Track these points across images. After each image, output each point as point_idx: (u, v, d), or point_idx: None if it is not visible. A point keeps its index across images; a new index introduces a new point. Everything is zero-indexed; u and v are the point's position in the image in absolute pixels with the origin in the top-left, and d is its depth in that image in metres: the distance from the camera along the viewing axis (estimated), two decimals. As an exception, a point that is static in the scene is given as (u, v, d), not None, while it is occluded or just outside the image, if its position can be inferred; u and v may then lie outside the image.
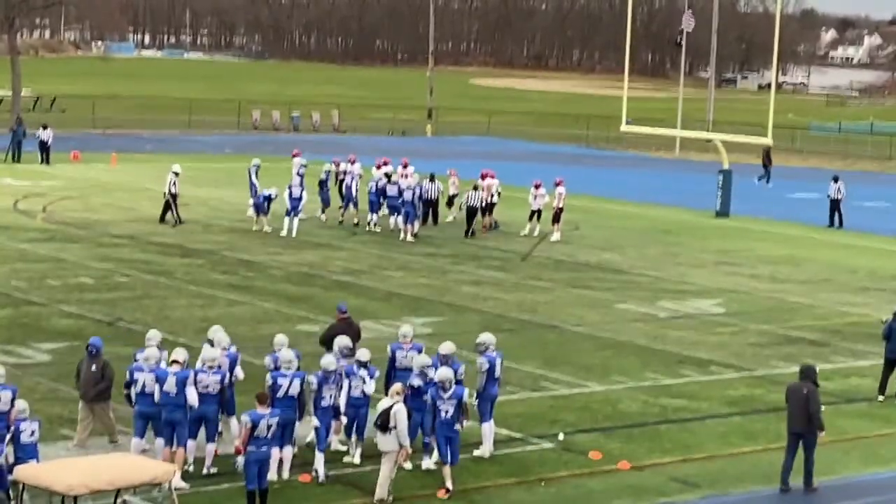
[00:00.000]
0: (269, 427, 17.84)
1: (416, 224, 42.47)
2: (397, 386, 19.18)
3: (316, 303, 31.54)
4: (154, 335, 20.47)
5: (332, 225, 44.37)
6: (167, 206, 42.87)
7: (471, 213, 43.04)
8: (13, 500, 16.44)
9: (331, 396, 19.36)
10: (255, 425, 17.72)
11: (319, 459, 19.25)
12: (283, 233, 41.42)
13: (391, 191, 43.07)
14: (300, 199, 41.88)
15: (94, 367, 20.21)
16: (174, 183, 42.75)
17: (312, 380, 19.30)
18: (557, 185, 43.76)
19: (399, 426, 18.53)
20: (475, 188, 43.42)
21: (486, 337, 20.95)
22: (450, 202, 46.39)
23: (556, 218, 43.38)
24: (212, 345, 20.22)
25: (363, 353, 20.10)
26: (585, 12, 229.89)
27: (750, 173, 65.74)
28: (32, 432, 17.37)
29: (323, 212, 45.20)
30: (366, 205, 44.10)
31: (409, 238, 41.76)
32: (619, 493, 19.53)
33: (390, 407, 18.65)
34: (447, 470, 18.90)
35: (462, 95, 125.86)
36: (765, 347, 29.47)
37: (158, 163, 61.89)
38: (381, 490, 18.50)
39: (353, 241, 41.37)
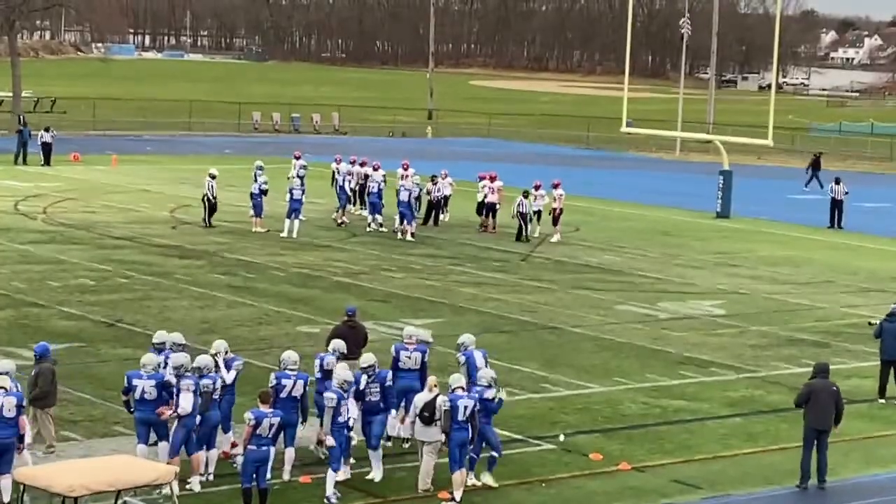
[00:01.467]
0: (270, 426, 17.82)
1: (414, 224, 42.58)
2: (433, 379, 19.56)
3: (317, 304, 31.54)
4: (161, 336, 20.30)
5: (333, 226, 44.40)
6: (211, 209, 42.92)
7: (523, 219, 42.96)
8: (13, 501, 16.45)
9: (347, 411, 18.87)
10: (258, 423, 17.70)
11: (331, 479, 18.67)
12: (284, 234, 41.47)
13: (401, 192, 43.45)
14: (301, 200, 41.99)
15: (33, 372, 19.98)
16: (212, 186, 42.75)
17: (333, 396, 18.73)
18: (555, 186, 43.78)
19: (443, 418, 18.92)
20: (525, 195, 43.16)
21: (465, 337, 21.36)
22: (445, 203, 46.33)
23: (555, 220, 43.45)
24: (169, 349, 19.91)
25: (366, 359, 19.84)
26: (585, 14, 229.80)
27: (750, 174, 65.75)
28: (10, 409, 17.55)
29: (339, 210, 45.57)
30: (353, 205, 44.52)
31: (409, 237, 41.86)
32: (620, 494, 19.52)
33: (433, 399, 18.97)
34: (459, 477, 18.83)
35: (462, 97, 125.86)
36: (765, 349, 29.46)
37: (159, 164, 62.02)
38: (425, 481, 19.00)
39: (354, 243, 41.37)
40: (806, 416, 20.25)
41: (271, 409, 17.97)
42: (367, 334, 22.81)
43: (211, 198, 42.88)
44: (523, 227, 42.96)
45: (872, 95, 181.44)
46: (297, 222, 41.79)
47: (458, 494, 18.73)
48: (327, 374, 19.74)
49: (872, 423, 23.98)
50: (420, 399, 19.23)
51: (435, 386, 19.27)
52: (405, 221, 42.33)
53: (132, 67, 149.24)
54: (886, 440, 23.03)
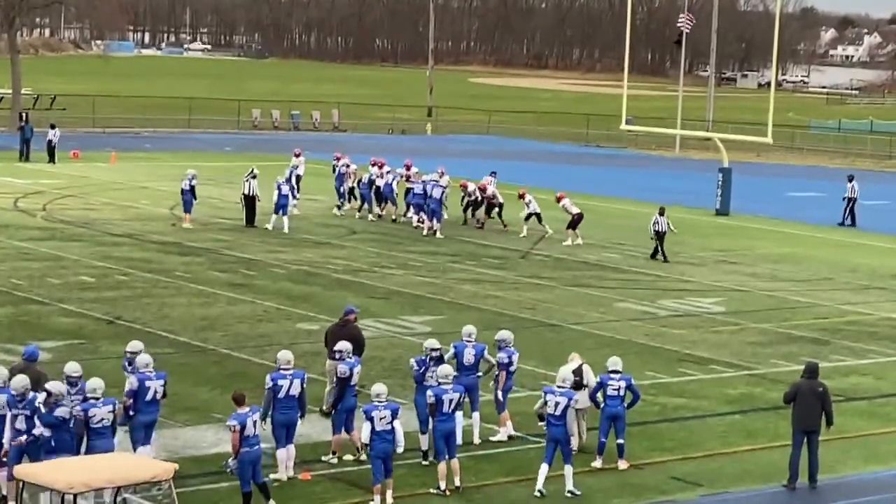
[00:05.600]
0: (254, 423, 17.80)
1: (440, 221, 43.10)
2: (575, 354, 21.39)
3: (316, 301, 31.54)
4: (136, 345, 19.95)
5: (332, 223, 44.48)
6: (251, 208, 42.84)
7: (659, 238, 39.94)
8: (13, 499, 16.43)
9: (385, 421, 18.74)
10: (243, 427, 17.67)
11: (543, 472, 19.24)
12: (286, 230, 41.58)
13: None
14: (287, 195, 42.20)
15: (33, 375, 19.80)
16: (252, 185, 42.66)
17: (432, 394, 19.03)
18: (559, 200, 42.98)
19: (589, 382, 20.65)
20: (661, 212, 40.07)
21: (505, 334, 21.81)
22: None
23: (572, 224, 42.37)
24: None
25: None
26: (585, 11, 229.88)
27: (749, 172, 65.73)
28: None
29: (359, 209, 46.18)
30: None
31: (439, 235, 42.40)
32: (619, 491, 19.54)
33: (580, 367, 20.74)
34: (443, 468, 18.95)
35: (462, 94, 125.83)
36: (765, 346, 29.46)
37: (158, 161, 62.00)
38: (577, 439, 20.51)
39: (354, 240, 41.40)
40: (792, 417, 20.27)
41: (249, 408, 17.94)
42: (357, 336, 21.94)
43: (250, 196, 42.70)
44: (659, 246, 39.99)
45: (872, 93, 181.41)
46: (285, 218, 41.83)
47: (442, 484, 18.92)
48: (342, 381, 19.83)
49: (872, 420, 23.99)
50: (567, 368, 20.26)
51: (579, 358, 21.06)
52: (435, 218, 42.84)
53: (132, 64, 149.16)
54: (886, 437, 23.04)
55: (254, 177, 42.84)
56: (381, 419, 18.23)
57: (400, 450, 18.46)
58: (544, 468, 19.17)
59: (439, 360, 20.30)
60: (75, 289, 31.94)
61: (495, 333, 22.13)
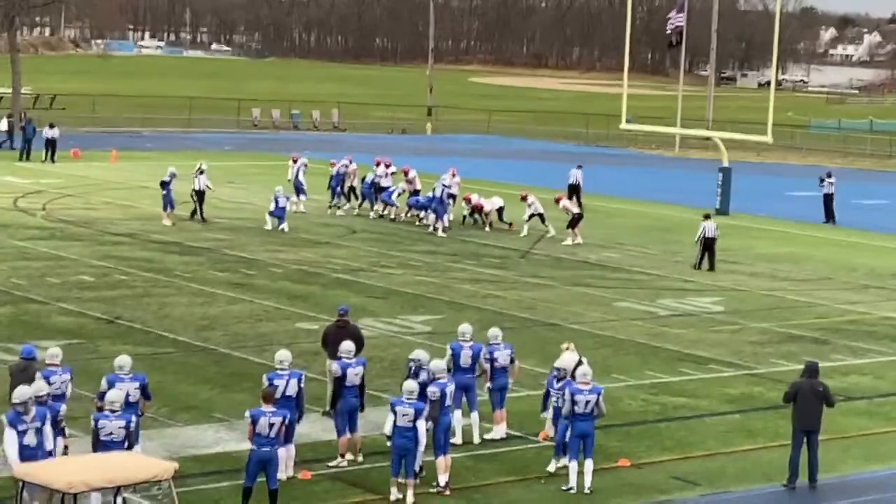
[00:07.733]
0: (270, 426, 17.75)
1: (446, 219, 43.37)
2: (570, 343, 21.71)
3: (316, 301, 31.54)
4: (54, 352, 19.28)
5: (332, 222, 44.51)
6: (200, 202, 43.48)
7: (707, 245, 38.67)
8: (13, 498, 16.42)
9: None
10: (254, 422, 17.64)
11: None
12: (286, 230, 41.65)
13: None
14: (285, 208, 42.41)
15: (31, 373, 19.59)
16: (200, 180, 43.39)
17: (436, 390, 19.03)
18: (557, 201, 43.22)
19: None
20: (707, 217, 39.20)
21: (493, 331, 21.92)
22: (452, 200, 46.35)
23: (572, 224, 42.52)
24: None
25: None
26: (585, 10, 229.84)
27: (749, 171, 65.73)
28: None
29: (359, 207, 46.86)
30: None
31: (441, 233, 42.61)
32: (619, 490, 19.53)
33: (580, 360, 20.74)
34: (443, 462, 18.98)
35: (462, 94, 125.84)
36: (764, 345, 29.47)
37: (158, 161, 61.94)
38: None
39: (353, 239, 41.41)
40: (792, 416, 20.27)
41: (272, 409, 17.91)
42: (359, 335, 21.93)
43: (200, 191, 43.41)
44: (704, 253, 38.70)
45: (872, 92, 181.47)
46: (284, 223, 42.09)
47: (442, 479, 18.92)
48: (339, 380, 19.78)
49: (871, 419, 24.00)
50: (570, 360, 20.54)
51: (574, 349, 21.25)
52: (439, 217, 43.16)
53: (131, 64, 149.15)
54: (885, 437, 23.04)
55: (202, 172, 43.48)
56: (403, 415, 18.35)
57: (421, 448, 18.51)
58: (574, 465, 19.25)
59: (417, 372, 19.83)
60: (75, 288, 31.95)
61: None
